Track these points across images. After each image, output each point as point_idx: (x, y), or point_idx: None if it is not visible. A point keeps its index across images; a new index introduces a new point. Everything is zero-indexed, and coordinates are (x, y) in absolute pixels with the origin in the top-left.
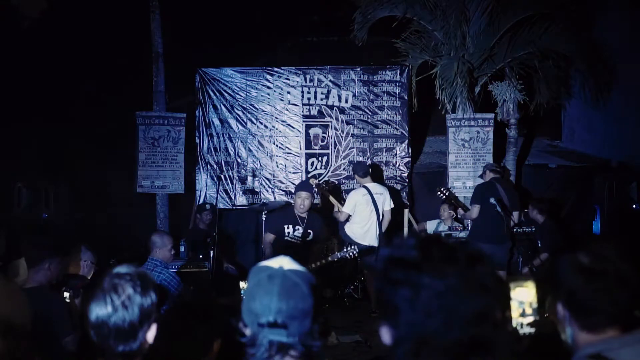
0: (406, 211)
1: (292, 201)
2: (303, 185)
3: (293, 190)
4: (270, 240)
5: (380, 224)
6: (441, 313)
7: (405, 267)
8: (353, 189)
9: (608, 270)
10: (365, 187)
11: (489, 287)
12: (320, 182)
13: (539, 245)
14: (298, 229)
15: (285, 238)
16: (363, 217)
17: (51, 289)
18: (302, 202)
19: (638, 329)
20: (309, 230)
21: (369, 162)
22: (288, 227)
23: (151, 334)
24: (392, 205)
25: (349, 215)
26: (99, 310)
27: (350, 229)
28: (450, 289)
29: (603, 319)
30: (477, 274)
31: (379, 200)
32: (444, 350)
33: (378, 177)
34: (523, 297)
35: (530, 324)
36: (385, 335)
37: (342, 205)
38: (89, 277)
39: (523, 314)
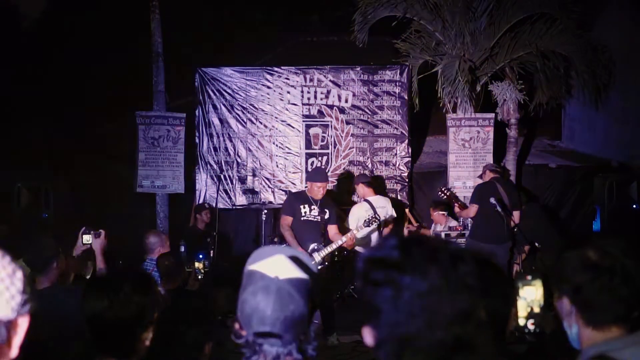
0: (406, 211)
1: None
2: (320, 176)
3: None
4: (288, 223)
5: (381, 233)
6: (424, 313)
7: (386, 267)
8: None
9: (615, 266)
10: (367, 201)
11: (472, 286)
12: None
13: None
14: (314, 209)
15: (302, 218)
16: (365, 231)
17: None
18: (319, 191)
19: None
20: (325, 210)
21: (369, 162)
22: (304, 207)
23: (146, 335)
24: (395, 215)
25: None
26: (95, 304)
27: None
28: (432, 288)
29: (608, 315)
30: (460, 273)
31: (381, 214)
32: (427, 351)
33: (380, 187)
34: (531, 295)
35: (535, 323)
36: (368, 336)
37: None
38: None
39: (530, 313)
